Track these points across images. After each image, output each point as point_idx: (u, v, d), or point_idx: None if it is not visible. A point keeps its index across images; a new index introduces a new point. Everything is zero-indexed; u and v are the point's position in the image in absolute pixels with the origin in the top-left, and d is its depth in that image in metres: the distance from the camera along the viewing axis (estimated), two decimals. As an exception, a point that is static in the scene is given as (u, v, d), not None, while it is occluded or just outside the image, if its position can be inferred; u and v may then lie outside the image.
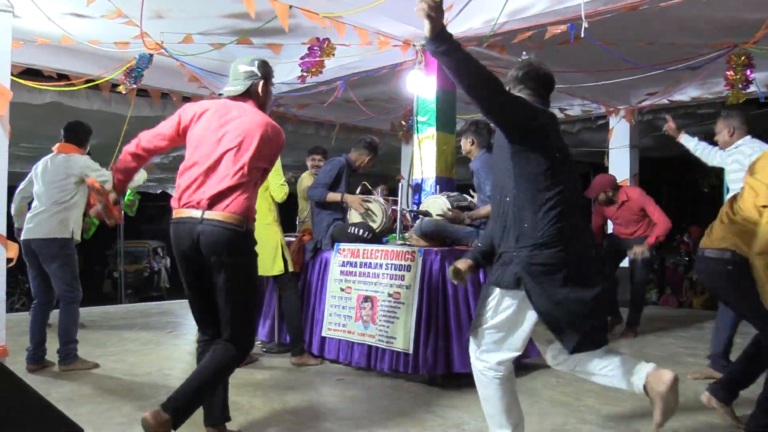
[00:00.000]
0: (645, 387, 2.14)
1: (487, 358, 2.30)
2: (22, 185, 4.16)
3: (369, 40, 4.68)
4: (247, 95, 2.62)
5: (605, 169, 7.56)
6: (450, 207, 4.04)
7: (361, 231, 4.17)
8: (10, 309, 8.30)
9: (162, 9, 4.55)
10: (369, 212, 4.34)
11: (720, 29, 4.70)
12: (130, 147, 2.62)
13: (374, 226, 4.27)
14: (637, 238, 5.11)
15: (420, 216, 4.21)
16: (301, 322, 4.23)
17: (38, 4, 4.11)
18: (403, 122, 7.59)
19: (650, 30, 4.73)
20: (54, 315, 4.04)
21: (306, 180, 5.24)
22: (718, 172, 4.84)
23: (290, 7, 4.08)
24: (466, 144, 4.05)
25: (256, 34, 4.87)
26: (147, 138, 2.62)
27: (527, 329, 2.23)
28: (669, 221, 4.95)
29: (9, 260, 3.81)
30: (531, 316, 2.19)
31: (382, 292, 3.83)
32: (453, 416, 3.09)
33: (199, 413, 2.63)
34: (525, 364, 3.86)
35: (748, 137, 3.71)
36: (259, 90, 2.64)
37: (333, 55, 4.89)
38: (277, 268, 4.10)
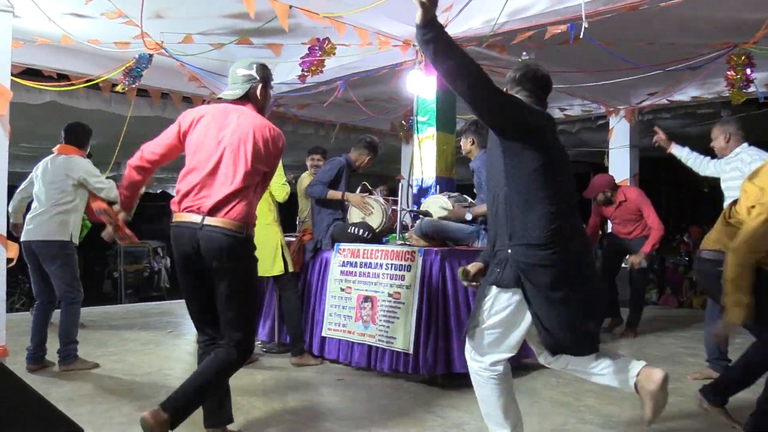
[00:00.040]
0: (636, 385, 2.18)
1: (481, 359, 2.31)
2: (22, 185, 4.17)
3: (369, 40, 4.68)
4: (246, 99, 2.62)
5: (605, 169, 7.56)
6: (450, 204, 4.05)
7: (361, 231, 4.17)
8: (10, 309, 8.30)
9: (162, 9, 4.55)
10: (369, 210, 4.34)
11: (720, 29, 4.70)
12: (134, 161, 2.61)
13: (374, 226, 4.27)
14: (635, 239, 5.12)
15: (420, 216, 4.21)
16: (301, 322, 4.23)
17: (38, 4, 4.11)
18: (403, 122, 7.59)
19: (650, 30, 4.73)
20: (56, 315, 4.05)
21: (306, 180, 5.24)
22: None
23: (290, 7, 4.08)
24: (466, 144, 4.06)
25: (256, 35, 4.87)
26: (150, 149, 2.61)
27: (523, 330, 2.24)
28: (662, 227, 4.97)
29: (9, 260, 3.81)
30: (527, 317, 2.20)
31: (382, 292, 3.83)
32: (453, 416, 3.09)
33: (199, 414, 2.63)
34: (525, 364, 3.86)
35: (745, 144, 3.72)
36: (258, 93, 2.64)
37: (334, 54, 4.89)
38: (277, 269, 4.10)
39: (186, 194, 2.49)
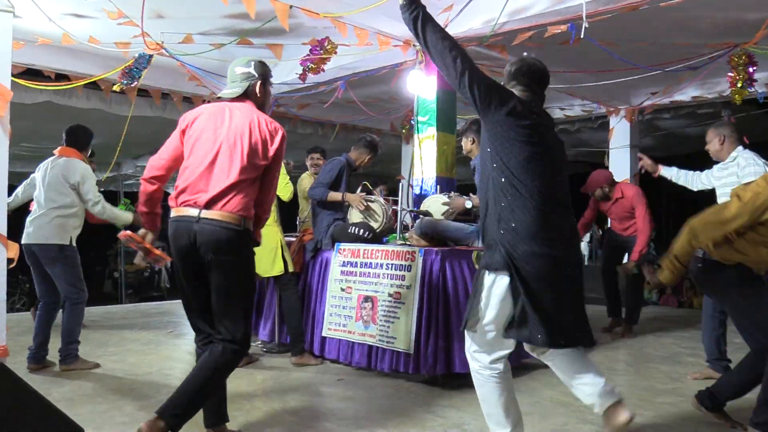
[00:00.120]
0: (604, 414, 2.27)
1: (480, 357, 2.33)
2: (25, 182, 4.19)
3: (369, 40, 4.68)
4: (245, 96, 2.63)
5: (605, 169, 7.56)
6: (446, 201, 4.07)
7: (362, 231, 4.17)
8: (10, 309, 8.30)
9: (162, 9, 4.55)
10: (370, 211, 4.34)
11: (720, 29, 4.70)
12: (145, 174, 2.62)
13: (375, 226, 4.28)
14: (631, 236, 5.15)
15: (420, 216, 4.21)
16: (301, 322, 4.23)
17: (39, 5, 4.11)
18: (405, 124, 7.60)
19: (650, 30, 4.73)
20: (58, 315, 4.05)
21: (306, 180, 5.25)
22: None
23: (290, 7, 4.08)
24: (467, 143, 4.06)
25: (256, 35, 4.87)
26: (157, 157, 2.61)
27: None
28: (649, 230, 5.00)
29: (10, 261, 3.81)
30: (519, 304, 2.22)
31: (383, 292, 3.83)
32: (453, 416, 3.09)
33: (198, 414, 2.63)
34: (525, 364, 3.86)
35: (740, 147, 3.71)
36: (257, 90, 2.64)
37: (335, 53, 4.89)
38: (277, 269, 4.10)
39: (183, 190, 2.50)
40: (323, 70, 5.09)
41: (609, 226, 5.63)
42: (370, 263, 3.97)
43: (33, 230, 3.87)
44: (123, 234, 2.78)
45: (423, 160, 5.05)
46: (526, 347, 2.46)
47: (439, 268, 3.66)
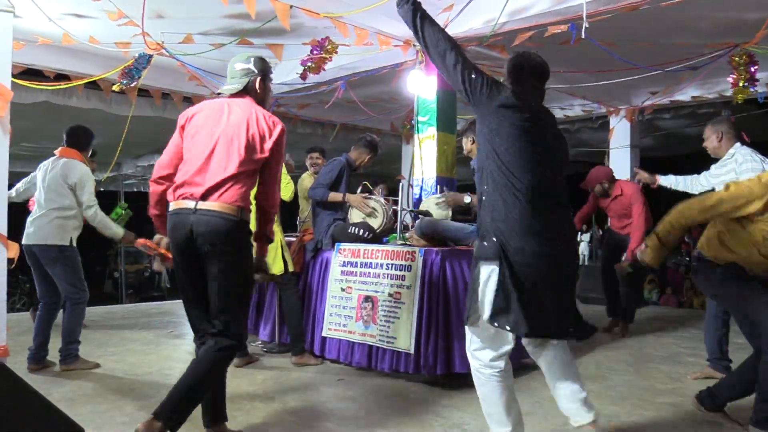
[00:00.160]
0: (576, 429, 2.37)
1: (481, 355, 2.34)
2: (26, 179, 4.19)
3: (369, 40, 4.68)
4: (245, 92, 2.64)
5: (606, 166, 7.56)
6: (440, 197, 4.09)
7: (362, 231, 4.17)
8: (10, 309, 8.31)
9: (163, 9, 4.55)
10: (372, 210, 4.34)
11: (720, 29, 4.70)
12: (152, 176, 2.64)
13: (375, 224, 4.28)
14: (629, 235, 5.15)
15: (420, 216, 4.21)
16: (302, 322, 4.24)
17: (39, 5, 4.11)
18: (407, 124, 7.60)
19: (650, 30, 4.73)
20: (58, 315, 4.05)
21: (307, 180, 5.25)
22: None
23: (291, 7, 4.08)
24: (467, 143, 4.05)
25: (256, 35, 4.87)
26: (162, 158, 2.63)
27: None
28: (644, 228, 4.99)
29: (10, 261, 3.81)
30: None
31: (383, 292, 3.83)
32: (454, 416, 3.09)
33: (198, 414, 2.63)
34: (525, 364, 3.86)
35: (738, 144, 3.72)
36: (257, 86, 2.65)
37: (336, 52, 4.88)
38: (277, 269, 4.10)
39: (181, 184, 2.51)
40: (324, 69, 5.10)
41: (609, 225, 5.64)
42: (371, 263, 3.97)
43: (33, 231, 3.87)
44: (139, 242, 2.81)
45: (423, 160, 5.05)
46: (527, 348, 2.47)
47: (440, 268, 3.66)
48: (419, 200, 4.93)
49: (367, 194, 4.50)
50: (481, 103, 2.31)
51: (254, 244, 2.72)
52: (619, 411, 3.19)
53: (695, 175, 4.14)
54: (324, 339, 4.17)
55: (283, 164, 3.93)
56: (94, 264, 15.41)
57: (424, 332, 3.58)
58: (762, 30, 4.22)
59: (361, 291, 3.98)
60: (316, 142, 6.76)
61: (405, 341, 3.63)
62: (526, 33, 4.29)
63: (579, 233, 14.82)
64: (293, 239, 4.62)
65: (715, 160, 3.90)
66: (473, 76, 2.30)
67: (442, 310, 3.62)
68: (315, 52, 4.86)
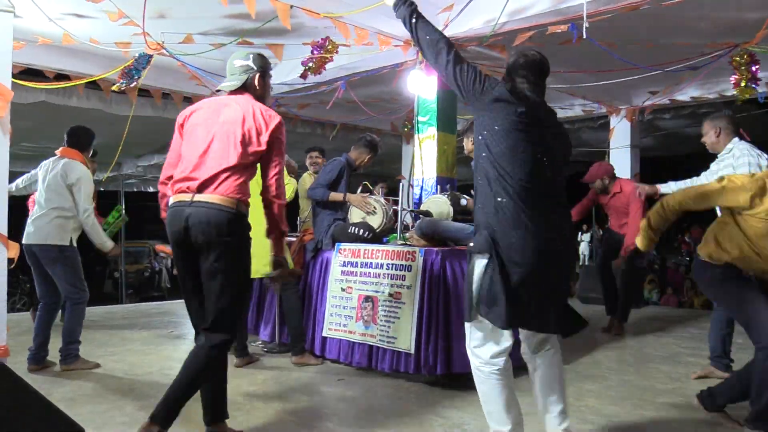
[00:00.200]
0: None
1: (480, 353, 2.35)
2: (28, 174, 4.20)
3: (370, 40, 4.68)
4: (244, 89, 2.64)
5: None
6: (448, 198, 4.10)
7: (362, 231, 4.17)
8: (11, 309, 8.31)
9: (163, 9, 4.55)
10: (373, 209, 4.34)
11: (721, 29, 4.70)
12: (161, 177, 2.67)
13: (375, 225, 4.28)
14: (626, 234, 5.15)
15: (420, 216, 4.21)
16: (302, 322, 4.24)
17: (39, 5, 4.11)
18: (407, 124, 7.60)
19: (651, 30, 4.72)
20: (58, 315, 4.05)
21: (307, 180, 5.25)
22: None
23: (291, 7, 4.08)
24: (468, 143, 4.06)
25: (256, 35, 4.87)
26: (168, 160, 2.66)
27: None
28: (638, 228, 4.99)
29: (10, 260, 3.82)
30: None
31: (383, 292, 3.83)
32: (454, 416, 3.09)
33: (198, 414, 2.63)
34: (525, 365, 3.86)
35: (736, 139, 3.72)
36: (256, 83, 2.65)
37: (336, 52, 4.88)
38: (278, 268, 4.09)
39: (178, 180, 2.52)
40: (325, 69, 5.10)
41: (608, 225, 5.65)
42: (371, 263, 3.97)
43: (33, 230, 3.87)
44: (158, 248, 2.83)
45: (423, 160, 5.05)
46: (523, 351, 2.49)
47: (440, 268, 3.66)
48: (419, 200, 4.93)
49: (367, 194, 4.50)
50: (475, 99, 2.34)
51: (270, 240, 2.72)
52: (619, 411, 3.19)
53: (694, 178, 4.15)
54: (324, 339, 4.17)
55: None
56: (94, 264, 15.42)
57: (424, 332, 3.58)
58: (762, 30, 4.22)
59: (361, 291, 3.98)
60: (316, 142, 6.76)
61: (405, 341, 3.63)
62: (526, 33, 4.29)
63: (579, 233, 14.84)
64: (293, 239, 4.62)
65: (715, 158, 3.91)
66: (466, 72, 2.34)
67: (443, 310, 3.62)
68: (315, 52, 4.86)
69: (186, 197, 2.46)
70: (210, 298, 2.46)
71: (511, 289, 2.19)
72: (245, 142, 2.49)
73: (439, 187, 4.86)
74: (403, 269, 3.77)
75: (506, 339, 2.32)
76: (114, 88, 5.31)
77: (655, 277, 8.67)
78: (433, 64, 2.45)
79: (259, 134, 2.52)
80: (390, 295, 3.78)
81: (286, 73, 5.68)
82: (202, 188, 2.45)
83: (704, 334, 5.25)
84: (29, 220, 3.94)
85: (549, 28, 4.12)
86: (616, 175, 5.40)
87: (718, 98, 6.63)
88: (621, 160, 7.59)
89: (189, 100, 6.44)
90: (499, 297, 2.18)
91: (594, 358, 4.41)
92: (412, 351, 3.59)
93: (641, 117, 7.55)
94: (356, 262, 4.07)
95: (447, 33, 4.61)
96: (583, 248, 14.47)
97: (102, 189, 10.74)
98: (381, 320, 3.80)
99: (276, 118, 2.58)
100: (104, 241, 4.05)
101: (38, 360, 3.90)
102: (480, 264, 2.26)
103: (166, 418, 2.33)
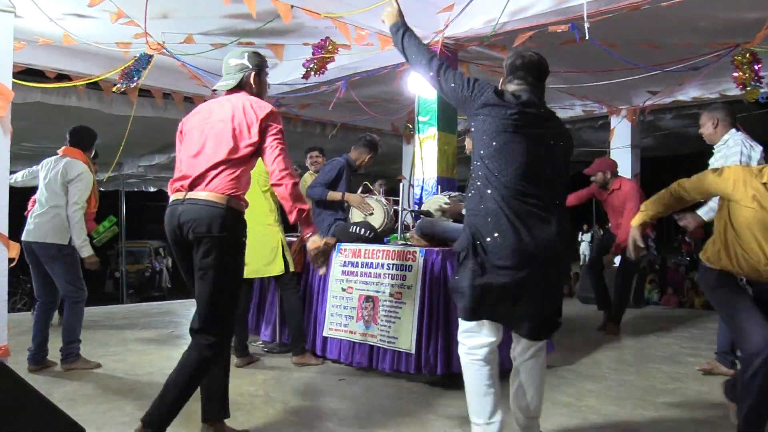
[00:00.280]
0: None
1: (465, 341, 2.41)
2: (29, 169, 4.20)
3: (370, 40, 4.68)
4: (240, 88, 2.64)
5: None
6: (447, 202, 4.07)
7: (363, 230, 4.17)
8: (11, 309, 8.32)
9: (163, 9, 4.55)
10: (372, 211, 4.34)
11: (721, 29, 4.70)
12: (171, 182, 2.66)
13: (376, 224, 4.28)
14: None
15: (421, 216, 4.21)
16: (302, 322, 4.23)
17: (40, 5, 4.11)
18: (408, 124, 7.61)
19: (651, 30, 4.73)
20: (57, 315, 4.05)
21: (308, 180, 5.25)
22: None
23: (292, 7, 4.08)
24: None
25: (257, 35, 4.87)
26: (176, 164, 2.66)
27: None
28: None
29: (11, 260, 3.82)
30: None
31: (384, 292, 3.83)
32: (455, 416, 3.09)
33: (197, 410, 2.63)
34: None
35: (733, 130, 3.73)
36: (251, 81, 2.66)
37: (337, 51, 4.89)
38: (278, 269, 4.10)
39: (174, 180, 2.55)
40: (326, 69, 5.10)
41: (608, 226, 5.65)
42: (371, 263, 3.97)
43: (33, 228, 3.87)
44: None
45: (424, 160, 5.05)
46: (513, 351, 2.51)
47: (440, 268, 3.66)
48: (420, 200, 4.94)
49: (367, 194, 4.50)
50: (465, 104, 2.37)
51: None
52: (619, 411, 3.19)
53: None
54: (325, 339, 4.17)
55: None
56: (95, 264, 15.45)
57: (425, 332, 3.58)
58: (763, 30, 4.22)
59: (362, 291, 3.98)
60: (316, 142, 6.76)
61: (406, 341, 3.63)
62: (526, 33, 4.30)
63: (580, 233, 14.84)
64: (294, 239, 4.62)
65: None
66: (456, 79, 2.38)
67: (443, 310, 3.62)
68: (316, 52, 4.86)
69: (179, 195, 2.49)
70: (200, 297, 2.43)
71: (474, 286, 2.24)
72: (236, 137, 2.49)
73: (439, 187, 4.86)
74: (404, 269, 3.77)
75: (486, 334, 2.36)
76: (114, 89, 5.32)
77: (656, 277, 8.67)
78: (423, 74, 2.53)
79: (249, 126, 2.51)
80: (391, 295, 3.78)
81: (286, 74, 5.68)
82: (193, 186, 2.46)
83: (705, 334, 5.28)
84: (29, 218, 3.94)
85: (549, 28, 4.12)
86: (618, 174, 5.39)
87: (718, 98, 6.63)
88: (621, 160, 7.56)
89: (189, 100, 6.46)
90: (465, 291, 2.26)
91: (594, 358, 4.41)
92: (413, 351, 3.59)
93: (642, 117, 7.55)
94: (357, 262, 4.07)
95: (447, 33, 4.62)
96: (584, 248, 14.46)
97: (102, 189, 10.75)
98: (382, 320, 3.80)
99: (266, 107, 2.55)
100: (83, 245, 3.93)
101: (38, 360, 3.90)
102: (463, 261, 2.32)
103: (159, 422, 2.32)
